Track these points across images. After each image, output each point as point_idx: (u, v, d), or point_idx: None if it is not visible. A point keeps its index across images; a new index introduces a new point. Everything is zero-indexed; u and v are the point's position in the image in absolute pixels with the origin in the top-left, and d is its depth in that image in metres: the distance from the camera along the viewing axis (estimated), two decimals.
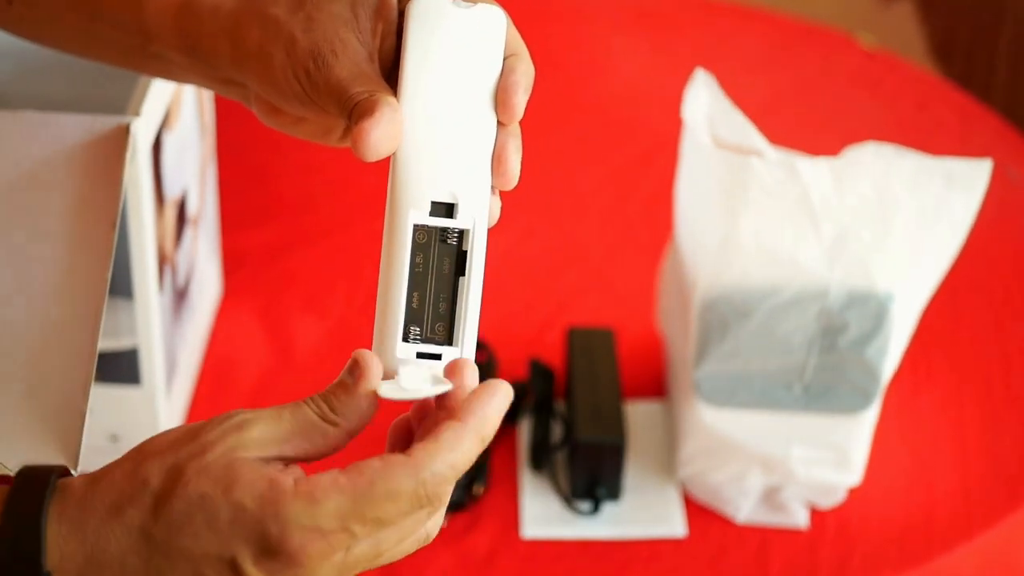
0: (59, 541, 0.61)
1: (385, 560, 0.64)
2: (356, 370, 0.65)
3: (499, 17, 0.71)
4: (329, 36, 0.71)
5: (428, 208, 0.70)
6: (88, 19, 0.78)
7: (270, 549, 0.61)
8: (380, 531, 0.62)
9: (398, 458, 0.62)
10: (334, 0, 0.71)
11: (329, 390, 0.65)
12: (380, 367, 0.66)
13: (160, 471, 0.62)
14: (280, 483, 0.61)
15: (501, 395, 0.65)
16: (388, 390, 0.66)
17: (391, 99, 0.68)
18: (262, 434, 0.63)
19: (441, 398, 0.66)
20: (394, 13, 0.72)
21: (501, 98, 0.71)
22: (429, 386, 0.66)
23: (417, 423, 0.68)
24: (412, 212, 0.70)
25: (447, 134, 0.70)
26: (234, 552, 0.61)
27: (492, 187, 0.71)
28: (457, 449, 0.63)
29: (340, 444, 0.64)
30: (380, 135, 0.68)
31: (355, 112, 0.68)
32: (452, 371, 0.66)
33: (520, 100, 0.72)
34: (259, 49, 0.72)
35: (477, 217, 0.69)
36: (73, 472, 0.66)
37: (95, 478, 0.63)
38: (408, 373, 0.67)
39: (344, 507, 0.61)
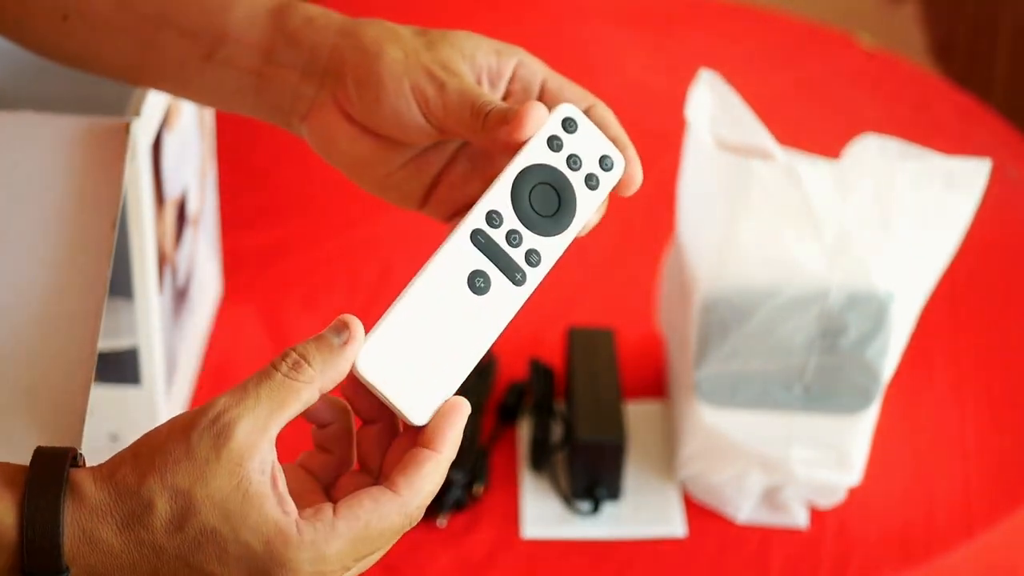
0: (73, 543, 0.64)
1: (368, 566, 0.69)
2: (345, 333, 0.67)
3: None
4: (453, 58, 0.76)
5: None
6: (153, 27, 0.81)
7: None
8: (371, 556, 0.67)
9: (386, 496, 0.66)
10: (458, 39, 0.76)
11: (307, 344, 0.67)
12: (363, 339, 0.67)
13: (166, 496, 0.64)
14: (285, 531, 0.64)
15: (463, 417, 0.68)
16: (369, 372, 0.67)
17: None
18: (247, 436, 0.64)
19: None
20: (502, 91, 0.77)
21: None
22: (409, 406, 0.67)
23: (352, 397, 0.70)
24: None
25: None
26: None
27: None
28: (436, 478, 0.67)
29: (312, 400, 0.66)
30: (539, 117, 0.72)
31: (500, 108, 0.73)
32: (448, 410, 0.68)
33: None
34: (375, 43, 0.76)
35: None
36: (79, 451, 0.68)
37: (103, 480, 0.65)
38: (399, 375, 0.67)
39: (344, 550, 0.65)
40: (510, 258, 0.70)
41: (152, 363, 1.00)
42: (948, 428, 1.13)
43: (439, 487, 0.67)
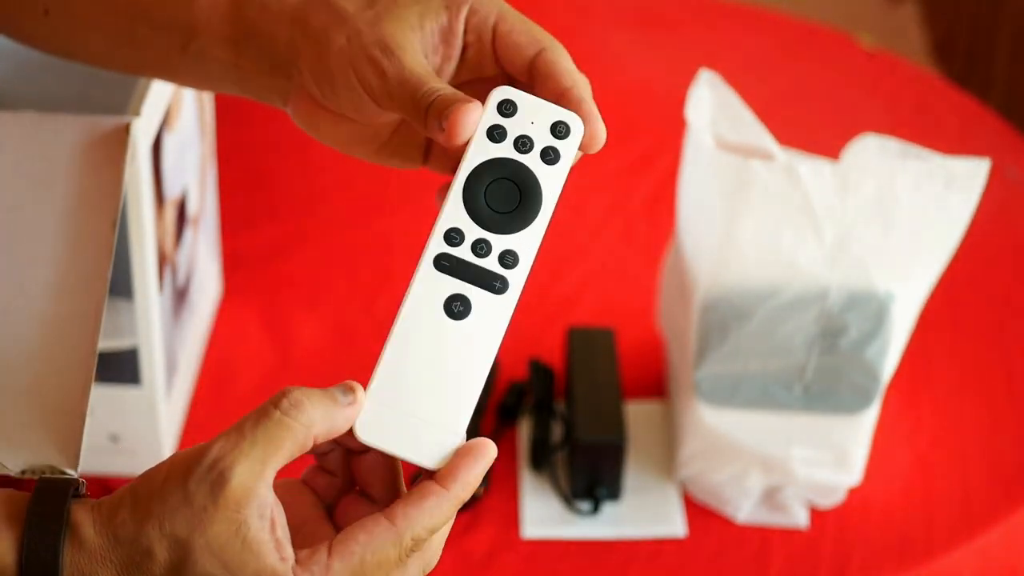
0: None
1: None
2: (350, 395, 0.65)
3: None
4: (396, 33, 0.71)
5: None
6: (128, 21, 0.79)
7: None
8: None
9: (381, 527, 0.64)
10: (404, 6, 0.72)
11: (311, 390, 0.65)
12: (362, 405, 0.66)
13: (164, 544, 0.64)
14: None
15: (486, 460, 0.66)
16: (370, 435, 0.65)
17: (473, 100, 0.69)
18: (244, 481, 0.63)
19: None
20: (458, 45, 0.73)
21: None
22: (419, 455, 0.65)
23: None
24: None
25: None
26: None
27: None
28: (437, 515, 0.65)
29: (307, 446, 0.65)
30: (472, 120, 0.68)
31: (439, 102, 0.68)
32: (469, 451, 0.66)
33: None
34: (321, 32, 0.73)
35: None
36: (73, 472, 0.69)
37: (103, 524, 0.65)
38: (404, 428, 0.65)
39: None
40: (483, 269, 0.66)
41: (152, 363, 1.00)
42: (948, 428, 1.13)
43: (442, 524, 0.65)
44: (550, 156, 0.68)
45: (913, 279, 0.99)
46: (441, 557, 1.01)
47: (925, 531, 1.04)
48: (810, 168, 0.95)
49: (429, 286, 0.65)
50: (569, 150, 0.68)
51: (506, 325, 0.66)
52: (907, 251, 0.97)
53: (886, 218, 0.96)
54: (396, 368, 0.65)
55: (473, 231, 0.66)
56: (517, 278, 0.67)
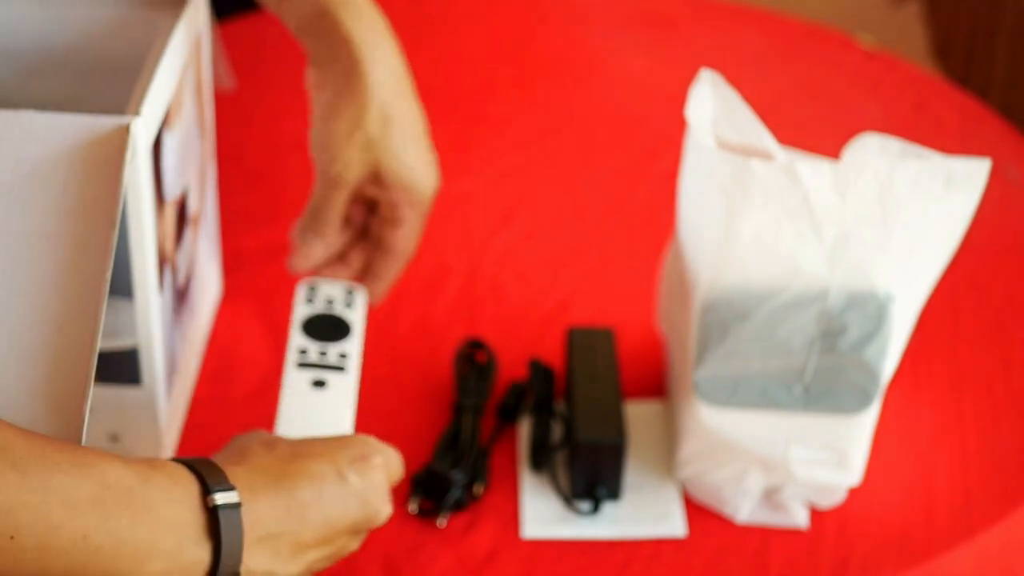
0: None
1: None
2: None
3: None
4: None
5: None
6: None
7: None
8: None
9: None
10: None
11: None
12: None
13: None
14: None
15: None
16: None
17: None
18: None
19: None
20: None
21: None
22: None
23: None
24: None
25: None
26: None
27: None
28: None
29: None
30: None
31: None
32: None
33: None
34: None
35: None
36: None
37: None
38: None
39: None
40: (329, 364, 1.00)
41: (152, 363, 1.00)
42: (948, 428, 1.13)
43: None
44: (348, 301, 1.07)
45: (913, 279, 0.99)
46: (441, 557, 1.01)
47: (925, 531, 1.04)
48: (810, 168, 0.95)
49: (297, 375, 1.00)
50: (359, 298, 1.07)
51: (354, 390, 0.99)
52: (907, 251, 0.97)
53: (886, 218, 0.96)
54: (288, 422, 0.96)
55: (313, 347, 1.02)
56: (352, 365, 1.00)
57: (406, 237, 1.09)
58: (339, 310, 1.05)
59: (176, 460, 0.81)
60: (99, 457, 0.76)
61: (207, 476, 0.79)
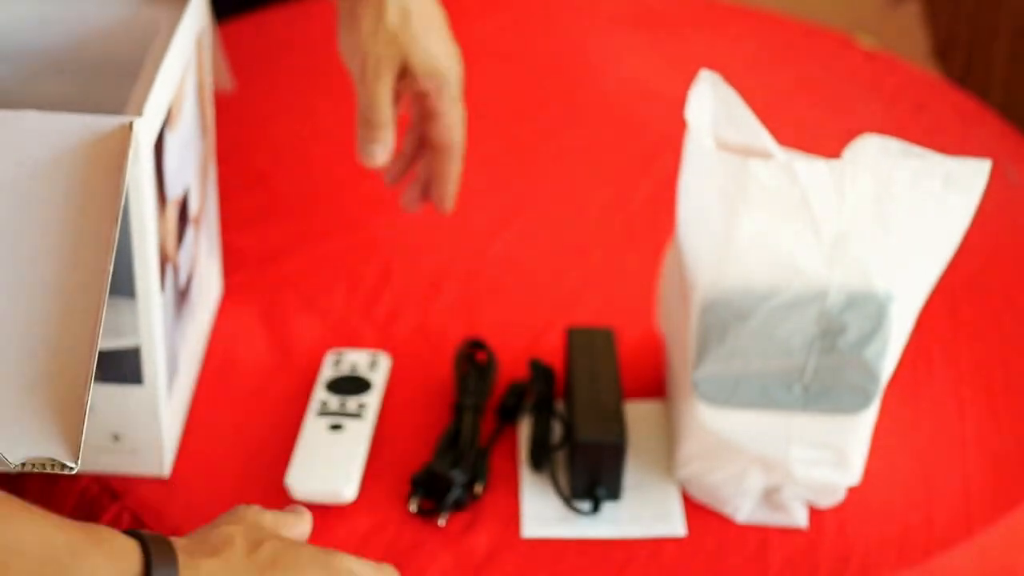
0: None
1: None
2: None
3: None
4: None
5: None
6: None
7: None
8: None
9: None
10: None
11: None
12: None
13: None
14: None
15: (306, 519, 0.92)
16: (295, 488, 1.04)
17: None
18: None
19: None
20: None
21: None
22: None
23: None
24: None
25: None
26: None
27: None
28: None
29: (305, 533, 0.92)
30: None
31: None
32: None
33: None
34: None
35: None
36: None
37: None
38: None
39: None
40: (347, 412, 1.09)
41: (154, 362, 1.00)
42: (948, 428, 1.13)
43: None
44: (373, 366, 1.14)
45: (913, 279, 0.99)
46: (441, 557, 1.01)
47: (925, 531, 1.04)
48: (809, 168, 0.95)
49: (316, 420, 1.08)
50: (382, 364, 1.14)
51: (369, 435, 1.07)
52: (907, 251, 0.97)
53: (886, 218, 0.96)
54: (305, 459, 1.04)
55: (335, 401, 1.10)
56: (370, 412, 1.09)
57: (448, 127, 1.14)
58: (363, 372, 1.12)
59: (128, 533, 0.77)
60: (29, 520, 0.73)
61: (153, 554, 0.76)
